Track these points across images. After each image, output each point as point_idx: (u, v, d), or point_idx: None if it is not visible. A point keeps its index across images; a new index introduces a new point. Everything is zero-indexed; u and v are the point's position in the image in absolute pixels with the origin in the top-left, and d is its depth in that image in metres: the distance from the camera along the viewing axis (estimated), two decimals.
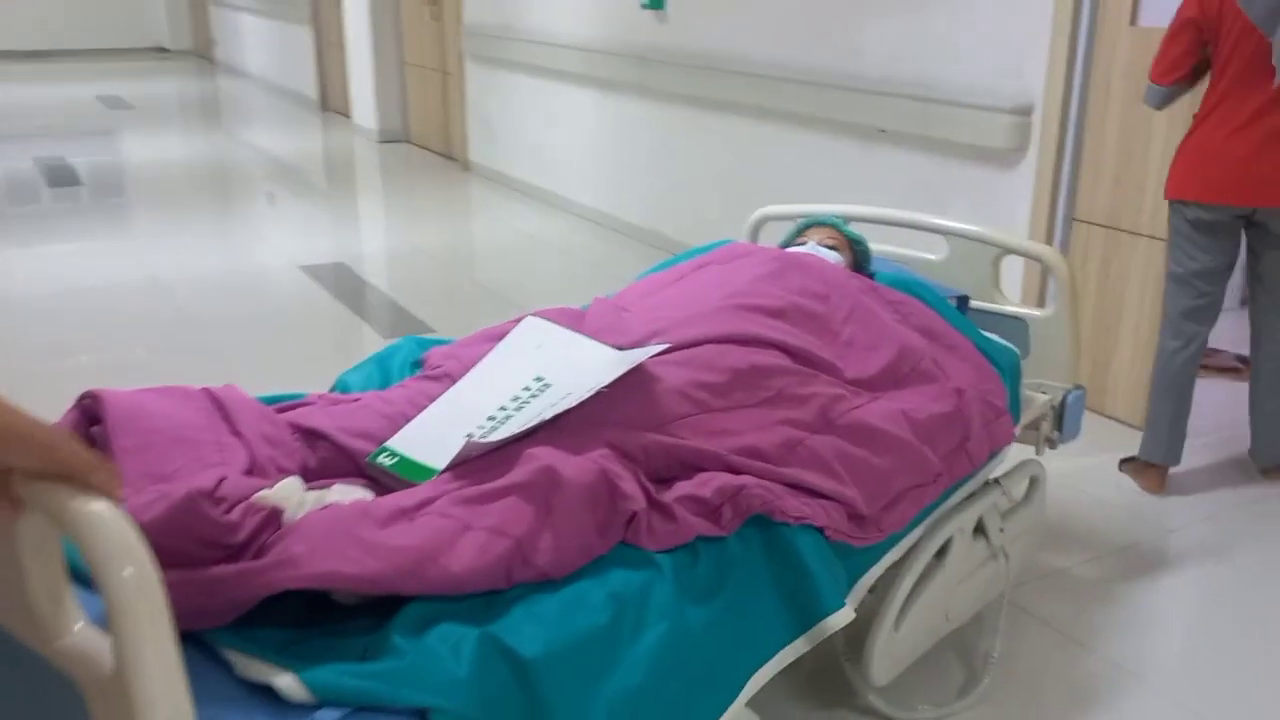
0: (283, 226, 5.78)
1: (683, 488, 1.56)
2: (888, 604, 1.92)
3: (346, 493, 1.36)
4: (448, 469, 1.47)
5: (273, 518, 1.26)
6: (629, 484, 1.49)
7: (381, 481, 1.58)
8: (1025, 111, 3.51)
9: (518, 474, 1.42)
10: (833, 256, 2.30)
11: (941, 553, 2.02)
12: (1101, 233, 3.41)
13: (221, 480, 1.30)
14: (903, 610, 1.95)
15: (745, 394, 1.75)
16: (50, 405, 1.44)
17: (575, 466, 1.44)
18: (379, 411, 1.68)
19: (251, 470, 1.48)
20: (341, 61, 9.10)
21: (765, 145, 4.66)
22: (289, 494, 1.28)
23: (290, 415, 1.64)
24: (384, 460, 1.58)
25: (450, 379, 1.76)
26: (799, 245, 2.37)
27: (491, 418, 1.64)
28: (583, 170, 6.00)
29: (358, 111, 8.80)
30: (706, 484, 1.56)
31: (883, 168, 4.08)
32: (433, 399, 1.71)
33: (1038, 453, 2.45)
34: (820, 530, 1.64)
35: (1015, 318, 2.51)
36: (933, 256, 2.65)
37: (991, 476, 2.18)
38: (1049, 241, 3.51)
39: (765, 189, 4.65)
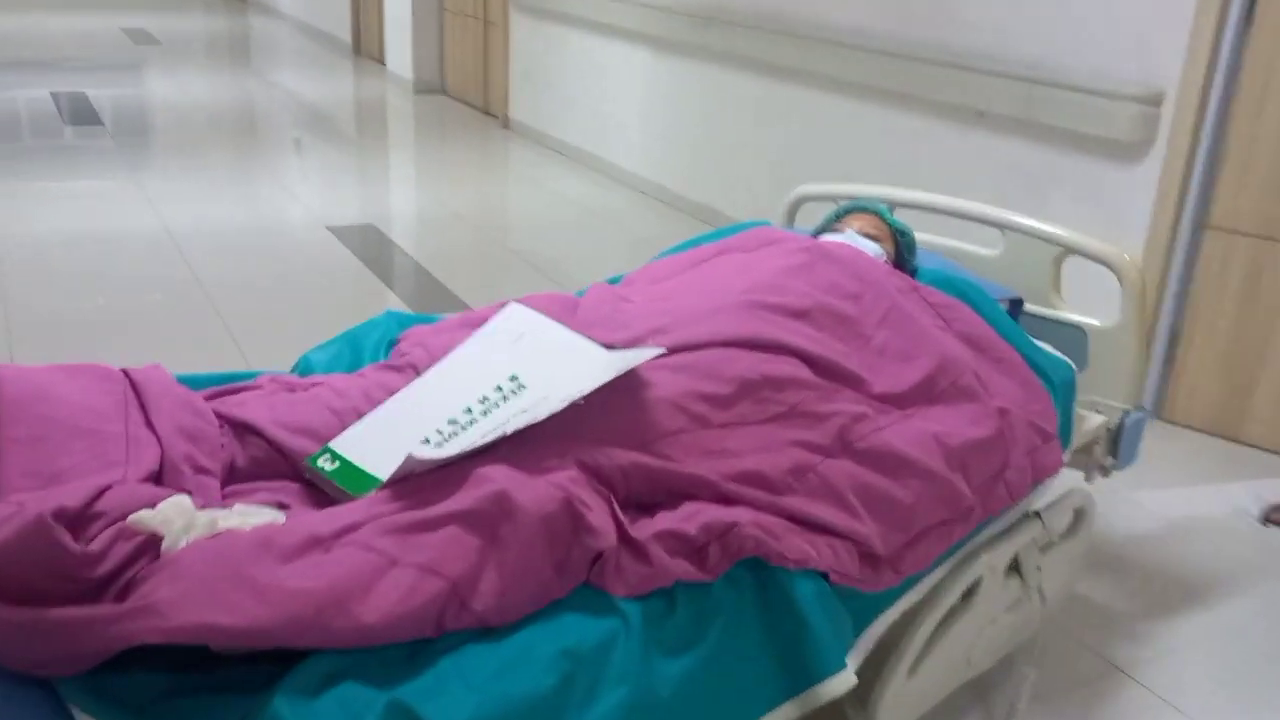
0: (309, 180, 5.49)
1: (664, 520, 1.33)
2: (903, 648, 1.68)
3: (249, 515, 1.15)
4: (385, 486, 1.26)
5: (148, 546, 1.05)
6: (598, 515, 1.26)
7: (319, 488, 1.38)
8: (1154, 100, 3.04)
9: (463, 499, 1.20)
10: (872, 249, 2.04)
11: (969, 593, 1.78)
12: (1247, 243, 3.00)
13: (102, 491, 1.10)
14: (920, 656, 1.72)
15: (752, 408, 1.51)
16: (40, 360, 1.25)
17: (534, 493, 1.22)
18: (327, 404, 1.46)
19: (161, 471, 1.28)
20: (378, 4, 8.81)
21: (839, 121, 4.23)
22: (172, 517, 1.07)
23: (222, 404, 1.44)
24: (323, 464, 1.37)
25: (414, 370, 1.55)
26: (835, 233, 2.11)
27: (453, 421, 1.42)
28: (633, 136, 5.62)
29: (392, 58, 8.50)
30: (692, 518, 1.33)
31: (976, 155, 3.63)
32: (391, 393, 1.49)
33: (1087, 480, 2.19)
34: (824, 575, 1.41)
35: (1074, 326, 2.24)
36: (987, 251, 2.38)
37: (1032, 508, 1.93)
38: (1172, 250, 3.11)
39: (834, 169, 4.24)
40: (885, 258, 2.05)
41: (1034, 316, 2.27)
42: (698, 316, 1.63)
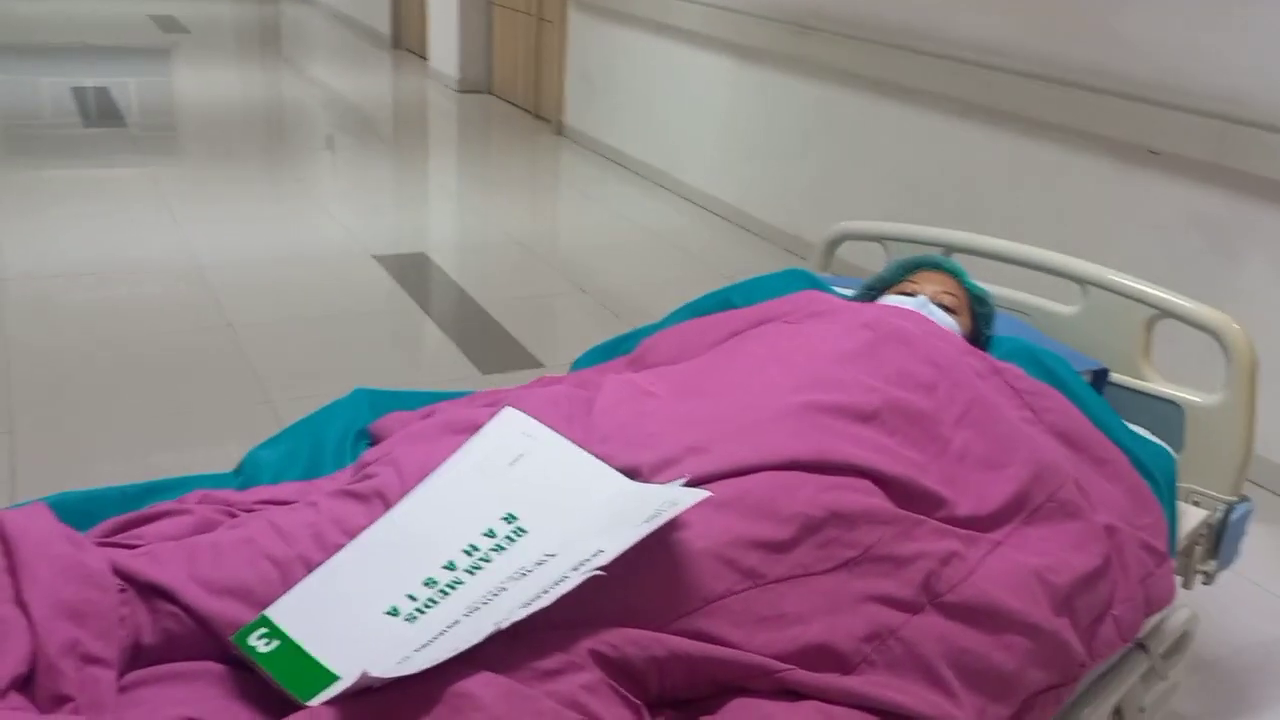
0: (343, 192, 4.94)
1: None
2: None
3: None
4: (334, 700, 0.91)
5: None
6: None
7: (252, 671, 1.03)
8: None
9: None
10: (948, 322, 1.70)
11: None
12: None
13: None
14: None
15: (815, 555, 1.17)
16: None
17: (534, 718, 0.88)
18: (266, 552, 1.12)
19: (32, 671, 0.94)
20: None
21: (961, 149, 3.60)
22: None
23: (127, 557, 1.09)
24: (257, 644, 1.03)
25: (381, 501, 1.20)
26: (903, 296, 1.77)
27: (430, 581, 1.08)
28: (709, 152, 4.98)
29: (435, 54, 7.94)
30: None
31: (1144, 200, 3.01)
32: (350, 533, 1.15)
33: (1186, 585, 1.86)
34: None
35: (1169, 402, 1.90)
36: (1063, 309, 2.04)
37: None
38: None
39: (950, 205, 3.60)
40: (960, 332, 1.71)
41: (1120, 388, 1.94)
42: (743, 428, 1.28)
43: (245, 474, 1.41)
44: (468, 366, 3.15)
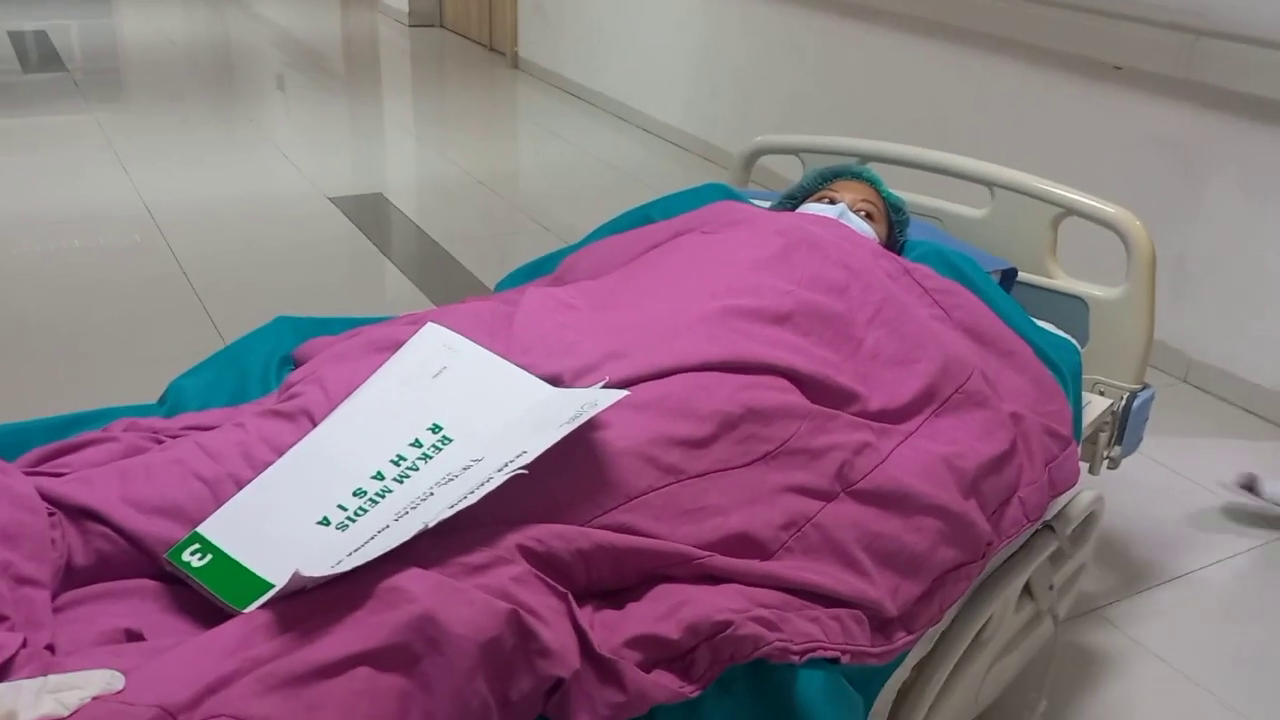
0: (296, 132, 4.78)
1: (636, 617, 1.04)
2: (910, 711, 1.43)
3: (68, 690, 0.82)
4: (267, 606, 0.94)
5: None
6: (554, 629, 0.97)
7: (188, 586, 1.06)
8: None
9: (373, 628, 0.89)
10: (866, 229, 1.75)
11: (979, 630, 1.54)
12: None
13: None
14: (929, 713, 1.47)
15: (734, 450, 1.22)
16: None
17: (468, 610, 0.92)
18: (195, 471, 1.14)
19: None
20: None
21: (926, 70, 3.55)
22: None
23: (56, 483, 1.10)
24: (190, 559, 1.05)
25: (308, 418, 1.22)
26: (821, 203, 1.81)
27: (359, 492, 1.11)
28: (672, 82, 4.84)
29: None
30: (673, 614, 1.04)
31: (1109, 118, 2.99)
32: (279, 450, 1.17)
33: (1092, 471, 1.95)
34: (834, 659, 1.14)
35: (1074, 297, 1.98)
36: (972, 212, 2.10)
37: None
38: None
39: (916, 128, 3.52)
40: (877, 239, 1.76)
41: (1028, 286, 2.01)
42: (661, 334, 1.32)
43: (170, 403, 1.42)
44: (428, 306, 3.12)
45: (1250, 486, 2.36)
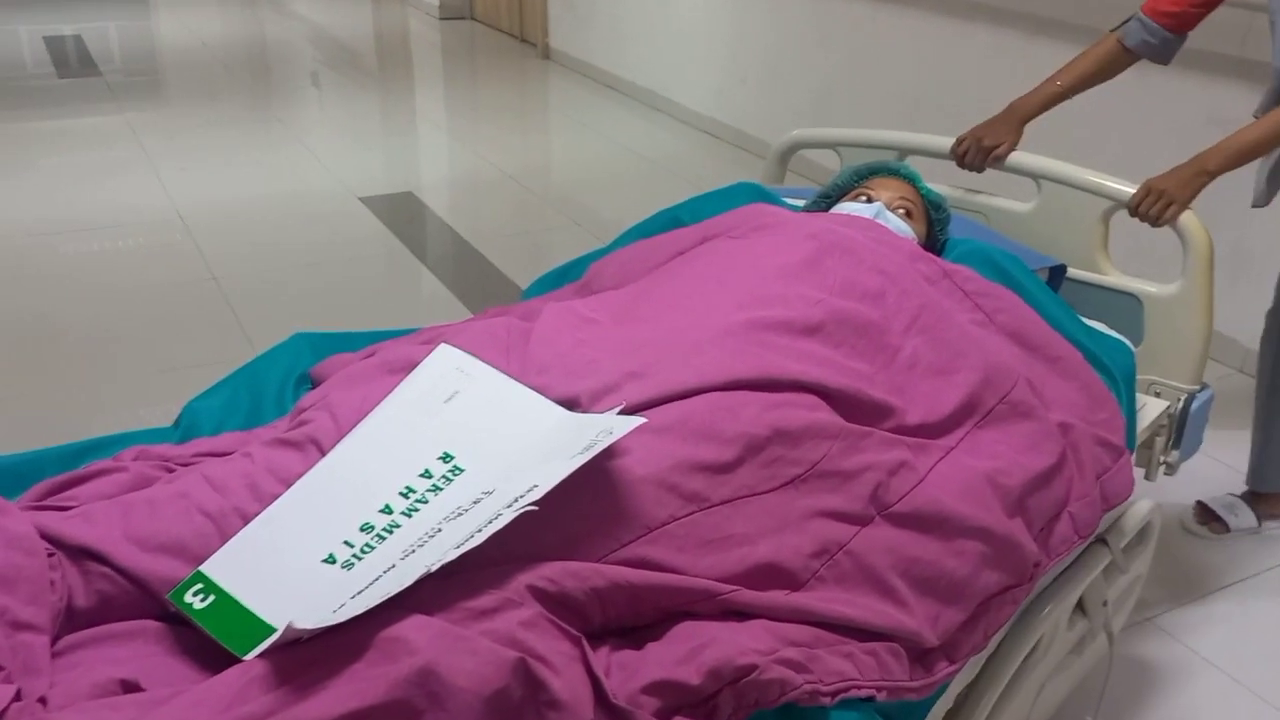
0: (326, 131, 4.74)
1: (655, 661, 0.99)
2: None
3: None
4: (260, 654, 0.90)
5: None
6: (566, 677, 0.92)
7: (193, 627, 1.02)
8: None
9: (370, 683, 0.85)
10: (904, 229, 1.67)
11: (1029, 652, 1.46)
12: None
13: None
14: None
15: (760, 475, 1.16)
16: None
17: (472, 661, 0.87)
18: (200, 506, 1.10)
19: None
20: None
21: (964, 54, 3.39)
22: None
23: (58, 520, 1.07)
24: (193, 601, 1.01)
25: (316, 448, 1.18)
26: (858, 202, 1.73)
27: (366, 527, 1.06)
28: (702, 70, 4.72)
29: None
30: (693, 657, 0.98)
31: (1162, 101, 2.84)
32: (286, 482, 1.13)
33: (1148, 477, 1.86)
34: (869, 699, 1.07)
35: (1127, 294, 1.88)
36: (1018, 206, 2.01)
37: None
38: None
39: (955, 116, 3.14)
40: (916, 239, 1.68)
41: (1078, 283, 1.92)
42: (683, 350, 1.26)
43: (184, 426, 1.38)
44: (460, 309, 3.05)
45: (1213, 520, 2.24)
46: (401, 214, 3.79)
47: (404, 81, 5.90)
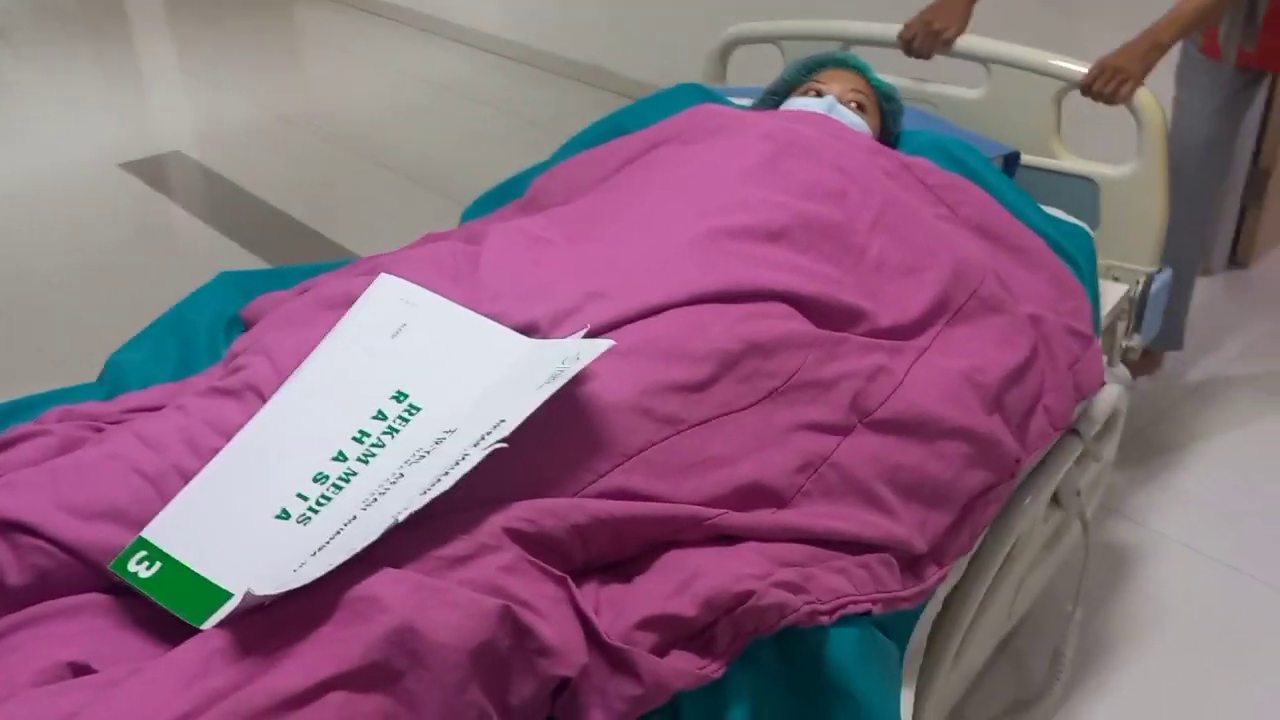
0: (57, 93, 4.03)
1: (645, 594, 0.93)
2: (944, 646, 1.34)
3: None
4: (223, 625, 0.83)
5: None
6: (555, 622, 0.86)
7: (143, 597, 0.94)
8: None
9: (345, 645, 0.78)
10: (857, 123, 1.59)
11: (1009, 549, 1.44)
12: None
13: None
14: (963, 641, 1.38)
15: (737, 391, 1.10)
16: None
17: (451, 614, 0.81)
18: (135, 466, 1.01)
19: None
20: None
21: None
22: None
23: None
24: (137, 569, 0.93)
25: (255, 394, 1.09)
26: (807, 97, 1.65)
27: (320, 476, 0.98)
28: None
29: None
30: (686, 587, 0.93)
31: None
32: (227, 435, 1.04)
33: (1110, 364, 1.84)
34: (865, 613, 1.03)
35: (1082, 178, 1.84)
36: (968, 93, 1.94)
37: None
38: None
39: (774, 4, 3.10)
40: (870, 132, 1.60)
41: (1032, 170, 1.87)
42: (646, 266, 1.18)
43: (109, 381, 1.28)
44: (232, 248, 2.77)
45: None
46: (175, 176, 3.34)
47: (120, 26, 4.97)
